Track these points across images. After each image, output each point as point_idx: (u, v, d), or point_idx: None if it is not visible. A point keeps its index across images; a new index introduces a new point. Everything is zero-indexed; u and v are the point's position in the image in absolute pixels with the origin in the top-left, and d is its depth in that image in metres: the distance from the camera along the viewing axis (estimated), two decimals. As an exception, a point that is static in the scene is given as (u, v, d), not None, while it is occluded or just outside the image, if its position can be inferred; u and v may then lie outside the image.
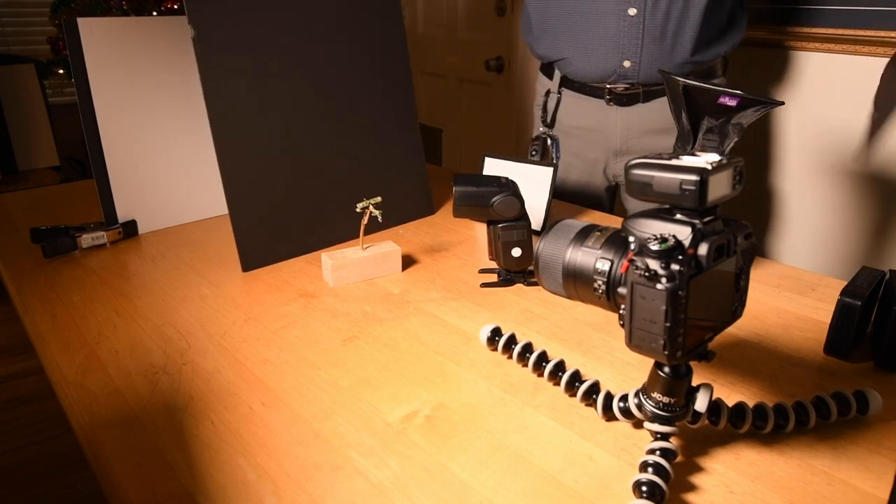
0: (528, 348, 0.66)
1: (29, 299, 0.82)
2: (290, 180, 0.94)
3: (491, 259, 0.86)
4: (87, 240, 0.96)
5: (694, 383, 0.51)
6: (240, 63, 0.87)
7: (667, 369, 0.50)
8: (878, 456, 0.54)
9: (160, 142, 1.02)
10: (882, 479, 0.52)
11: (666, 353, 0.44)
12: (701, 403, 0.51)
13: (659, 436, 0.51)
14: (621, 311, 0.47)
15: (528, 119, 2.26)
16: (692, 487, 0.51)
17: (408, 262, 0.93)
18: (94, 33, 0.92)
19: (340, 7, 0.97)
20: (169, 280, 0.87)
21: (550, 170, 1.02)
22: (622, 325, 0.47)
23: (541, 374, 0.64)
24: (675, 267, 0.42)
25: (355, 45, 1.00)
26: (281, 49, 0.91)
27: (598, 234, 0.51)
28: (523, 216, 0.83)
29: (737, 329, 0.74)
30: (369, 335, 0.73)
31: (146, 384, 0.64)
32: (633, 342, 0.46)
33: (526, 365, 0.66)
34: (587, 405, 0.60)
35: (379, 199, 0.84)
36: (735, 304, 0.49)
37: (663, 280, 0.42)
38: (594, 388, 0.60)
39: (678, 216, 0.45)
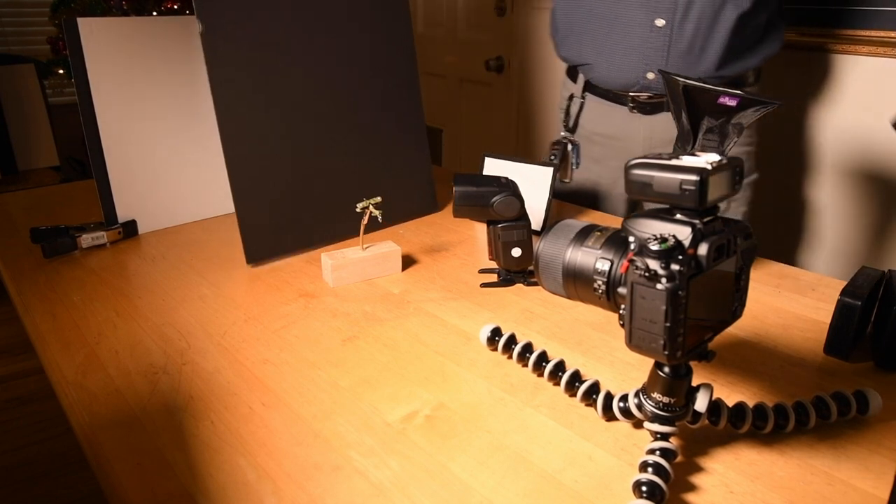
0: (528, 348, 0.66)
1: (29, 299, 0.82)
2: (295, 174, 0.94)
3: (491, 259, 0.86)
4: (87, 240, 0.96)
5: (694, 383, 0.51)
6: (248, 57, 0.88)
7: (667, 369, 0.50)
8: (878, 456, 0.54)
9: (160, 142, 1.02)
10: (882, 479, 0.52)
11: (666, 353, 0.44)
12: (701, 403, 0.51)
13: (659, 436, 0.51)
14: (621, 311, 0.47)
15: (528, 119, 2.26)
16: (692, 487, 0.51)
17: (408, 262, 0.93)
18: (94, 33, 0.92)
19: (350, 3, 0.97)
20: (169, 280, 0.87)
21: (550, 170, 1.02)
22: (622, 325, 0.47)
23: (541, 374, 0.64)
24: (675, 267, 0.42)
25: (363, 41, 1.00)
26: (289, 44, 0.92)
27: (598, 234, 0.51)
28: (523, 216, 0.83)
29: (737, 329, 0.74)
30: (369, 335, 0.73)
31: (146, 384, 0.64)
32: (633, 342, 0.46)
33: (526, 365, 0.66)
34: (587, 405, 0.60)
35: (379, 199, 0.83)
36: (735, 304, 0.49)
37: (663, 280, 0.42)
38: (594, 388, 0.60)
39: (678, 216, 0.45)
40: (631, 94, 1.11)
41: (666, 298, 0.42)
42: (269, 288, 0.85)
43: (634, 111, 1.13)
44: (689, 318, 0.43)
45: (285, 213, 0.93)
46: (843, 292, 0.67)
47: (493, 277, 0.87)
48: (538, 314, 0.78)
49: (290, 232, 0.94)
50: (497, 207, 0.81)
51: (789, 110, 1.47)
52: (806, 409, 0.56)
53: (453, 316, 0.78)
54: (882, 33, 1.31)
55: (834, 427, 0.57)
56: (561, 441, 0.56)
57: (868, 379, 0.65)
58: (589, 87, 1.18)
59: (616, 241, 0.49)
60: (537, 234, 0.98)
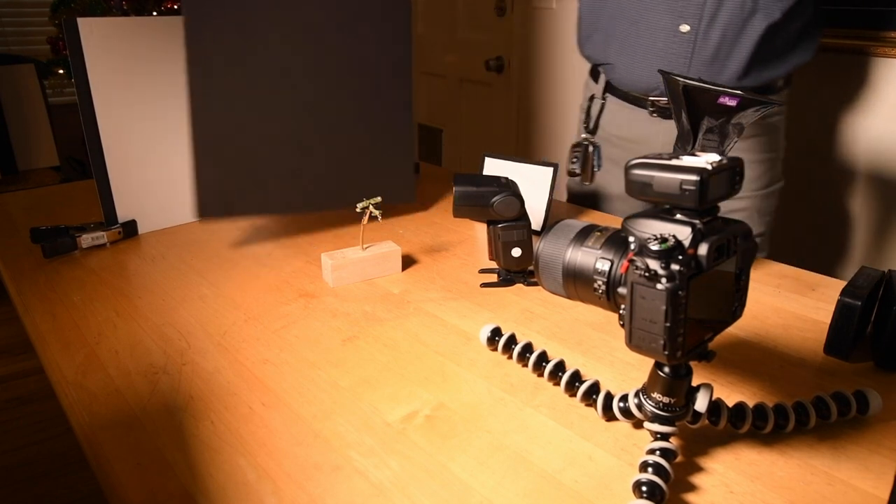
0: (528, 348, 0.66)
1: (29, 299, 0.82)
2: (262, 138, 0.93)
3: (491, 259, 0.86)
4: (87, 240, 0.96)
5: (694, 383, 0.51)
6: (231, 22, 0.87)
7: (667, 369, 0.50)
8: (878, 456, 0.54)
9: (160, 142, 1.02)
10: (882, 479, 0.52)
11: (666, 353, 0.44)
12: (701, 403, 0.51)
13: (659, 436, 0.51)
14: (621, 311, 0.47)
15: (528, 119, 2.26)
16: (692, 487, 0.51)
17: (408, 262, 0.93)
18: (94, 33, 0.92)
19: None
20: (169, 280, 0.87)
21: (550, 170, 1.02)
22: (622, 325, 0.47)
23: (541, 374, 0.64)
24: (675, 267, 0.42)
25: (357, 18, 0.98)
26: (276, 13, 0.90)
27: (598, 234, 0.51)
28: (523, 216, 0.83)
29: (737, 329, 0.74)
30: (369, 335, 0.73)
31: (146, 384, 0.64)
32: (633, 342, 0.46)
33: (526, 365, 0.66)
34: (587, 405, 0.60)
35: (379, 199, 0.83)
36: (735, 304, 0.49)
37: (663, 280, 0.42)
38: (594, 388, 0.60)
39: (678, 216, 0.45)
40: (651, 97, 1.09)
41: (666, 298, 0.42)
42: (269, 288, 0.85)
43: (654, 115, 1.10)
44: (689, 318, 0.43)
45: (246, 174, 0.91)
46: (844, 292, 0.67)
47: (493, 277, 0.87)
48: (538, 314, 0.78)
49: (249, 193, 0.92)
50: (497, 207, 0.81)
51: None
52: (806, 409, 0.56)
53: (453, 316, 0.78)
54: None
55: (834, 427, 0.57)
56: (561, 441, 0.56)
57: (868, 379, 0.65)
58: (610, 89, 1.16)
59: (616, 241, 0.49)
60: (537, 234, 0.98)
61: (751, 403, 0.56)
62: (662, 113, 1.11)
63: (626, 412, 0.56)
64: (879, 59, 1.33)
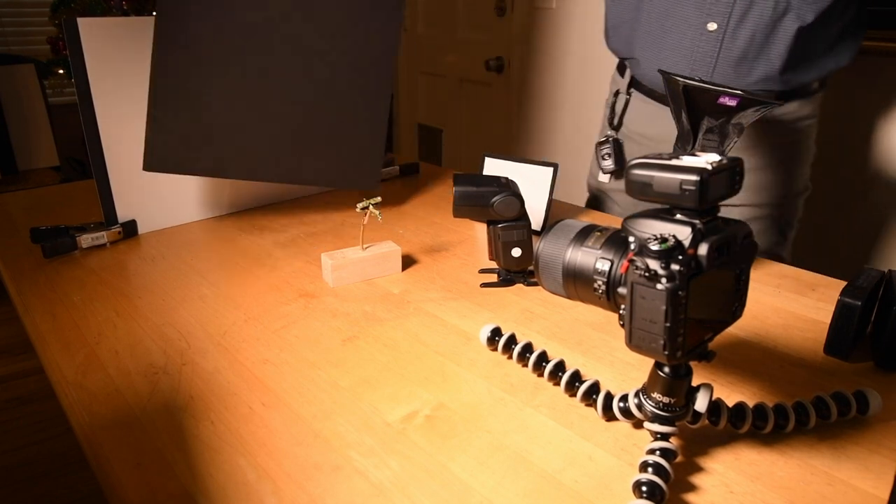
0: (528, 348, 0.66)
1: (29, 299, 0.82)
2: (226, 98, 0.92)
3: (491, 259, 0.86)
4: (87, 240, 0.96)
5: (694, 383, 0.51)
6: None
7: (667, 369, 0.50)
8: (878, 456, 0.54)
9: (160, 142, 1.02)
10: (882, 479, 0.52)
11: (666, 353, 0.44)
12: (701, 403, 0.51)
13: (659, 436, 0.51)
14: (621, 311, 0.47)
15: (528, 119, 2.26)
16: (692, 487, 0.51)
17: (408, 262, 0.93)
18: (94, 33, 0.92)
19: None
20: (169, 280, 0.87)
21: (550, 170, 1.02)
22: (622, 325, 0.47)
23: (541, 374, 0.64)
24: (675, 267, 0.42)
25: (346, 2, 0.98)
26: None
27: (598, 234, 0.51)
28: (523, 216, 0.83)
29: (737, 329, 0.74)
30: (369, 335, 0.73)
31: (146, 384, 0.64)
32: (633, 342, 0.46)
33: (526, 365, 0.66)
34: (587, 405, 0.60)
35: (379, 199, 0.83)
36: (735, 304, 0.49)
37: (663, 280, 0.42)
38: (594, 388, 0.60)
39: (678, 216, 0.45)
40: None
41: (666, 298, 0.42)
42: (269, 288, 0.85)
43: None
44: (689, 318, 0.43)
45: (203, 133, 0.90)
46: (843, 292, 0.67)
47: (493, 277, 0.87)
48: (538, 314, 0.78)
49: (204, 153, 0.91)
50: (497, 207, 0.81)
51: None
52: (806, 409, 0.56)
53: (453, 316, 0.78)
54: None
55: (834, 427, 0.57)
56: (561, 441, 0.56)
57: (868, 379, 0.65)
58: (635, 84, 1.12)
59: (616, 241, 0.49)
60: (537, 234, 0.98)
61: (751, 403, 0.56)
62: None
63: (626, 412, 0.56)
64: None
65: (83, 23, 0.92)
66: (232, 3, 0.89)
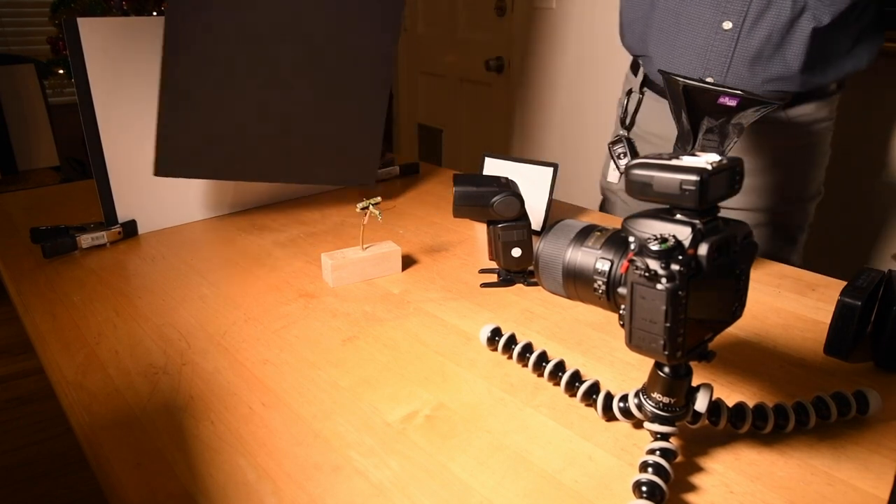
0: (528, 348, 0.66)
1: (29, 299, 0.82)
2: (229, 102, 0.92)
3: (491, 259, 0.86)
4: (87, 240, 0.96)
5: (694, 383, 0.51)
6: None
7: (667, 369, 0.50)
8: (878, 456, 0.54)
9: (160, 142, 1.02)
10: (882, 479, 0.52)
11: (666, 353, 0.44)
12: (701, 403, 0.51)
13: (659, 436, 0.51)
14: (621, 311, 0.47)
15: (528, 119, 2.26)
16: (692, 487, 0.51)
17: (408, 262, 0.93)
18: (94, 33, 0.92)
19: None
20: (169, 280, 0.87)
21: (550, 170, 1.02)
22: (622, 325, 0.47)
23: (541, 375, 0.64)
24: (675, 267, 0.42)
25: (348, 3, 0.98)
26: None
27: (598, 234, 0.51)
28: (523, 216, 0.83)
29: (737, 329, 0.74)
30: (369, 335, 0.73)
31: (146, 384, 0.64)
32: (633, 342, 0.46)
33: (526, 365, 0.66)
34: (587, 405, 0.60)
35: (379, 198, 0.84)
36: (735, 304, 0.49)
37: (663, 280, 0.42)
38: (594, 388, 0.60)
39: (678, 216, 0.45)
40: None
41: (666, 298, 0.42)
42: (269, 288, 0.85)
43: None
44: (688, 318, 0.43)
45: (211, 137, 0.91)
46: (843, 292, 0.67)
47: (493, 277, 0.87)
48: (538, 314, 0.78)
49: (211, 157, 0.92)
50: (497, 207, 0.81)
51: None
52: (806, 409, 0.56)
53: (453, 316, 0.78)
54: None
55: (834, 427, 0.57)
56: (561, 441, 0.56)
57: (868, 379, 0.65)
58: (647, 83, 1.11)
59: (616, 242, 0.49)
60: (537, 234, 0.98)
61: (751, 403, 0.56)
62: None
63: (626, 412, 0.56)
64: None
65: (83, 23, 0.92)
66: (238, 9, 0.90)
